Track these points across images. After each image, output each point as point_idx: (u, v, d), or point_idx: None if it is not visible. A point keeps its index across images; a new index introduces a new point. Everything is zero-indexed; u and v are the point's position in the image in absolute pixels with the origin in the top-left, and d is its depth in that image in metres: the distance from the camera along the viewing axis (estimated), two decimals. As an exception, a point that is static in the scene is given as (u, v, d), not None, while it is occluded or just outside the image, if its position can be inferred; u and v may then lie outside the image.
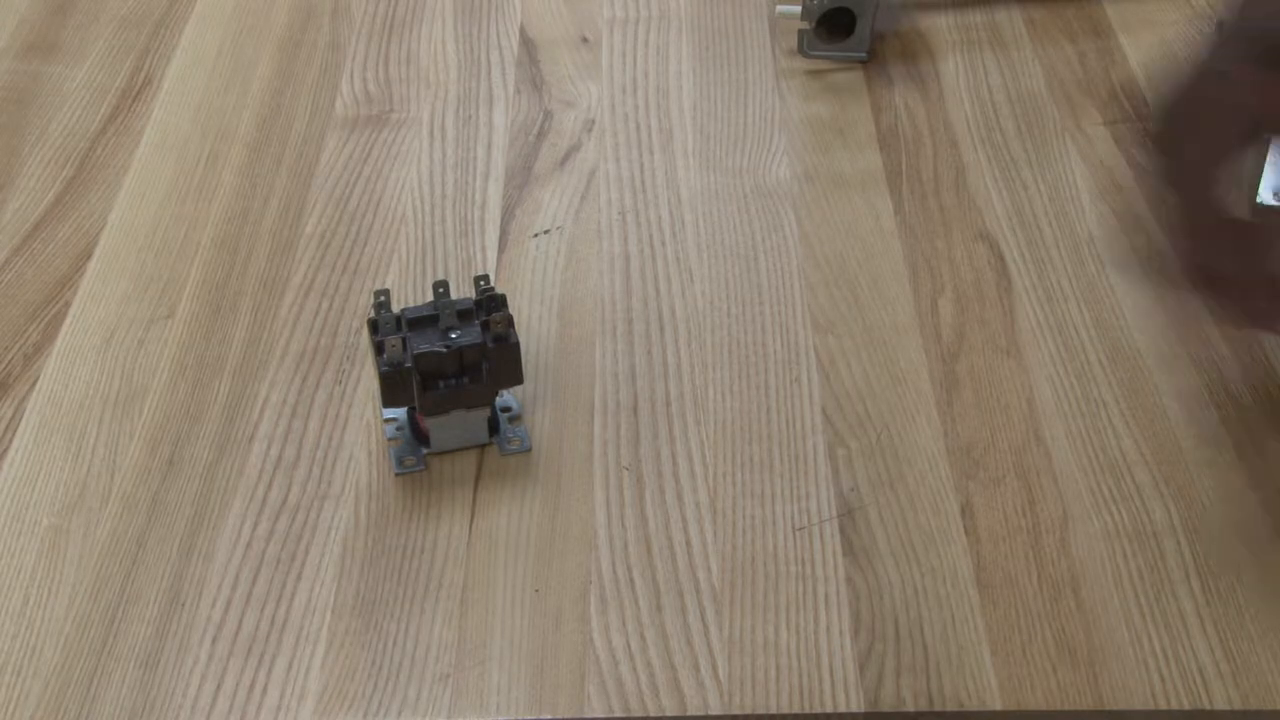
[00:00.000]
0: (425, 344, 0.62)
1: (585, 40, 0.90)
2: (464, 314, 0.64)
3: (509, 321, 0.63)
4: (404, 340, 0.62)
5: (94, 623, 0.59)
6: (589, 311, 0.72)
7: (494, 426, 0.65)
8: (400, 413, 0.66)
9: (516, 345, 0.63)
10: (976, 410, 0.67)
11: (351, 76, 0.87)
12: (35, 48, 0.90)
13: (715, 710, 0.56)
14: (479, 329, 0.63)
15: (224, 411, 0.67)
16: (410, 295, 0.73)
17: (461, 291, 0.72)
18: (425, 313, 0.64)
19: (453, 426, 0.64)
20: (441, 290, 0.65)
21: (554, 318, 0.71)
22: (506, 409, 0.66)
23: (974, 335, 0.70)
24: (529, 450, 0.65)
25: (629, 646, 0.58)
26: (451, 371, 0.63)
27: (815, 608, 0.59)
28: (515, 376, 0.64)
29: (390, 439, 0.65)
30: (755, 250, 0.75)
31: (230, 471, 0.65)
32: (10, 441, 0.66)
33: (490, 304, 0.64)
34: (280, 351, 0.70)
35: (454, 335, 0.63)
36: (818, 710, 0.56)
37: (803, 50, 0.87)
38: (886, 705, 0.56)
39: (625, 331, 0.71)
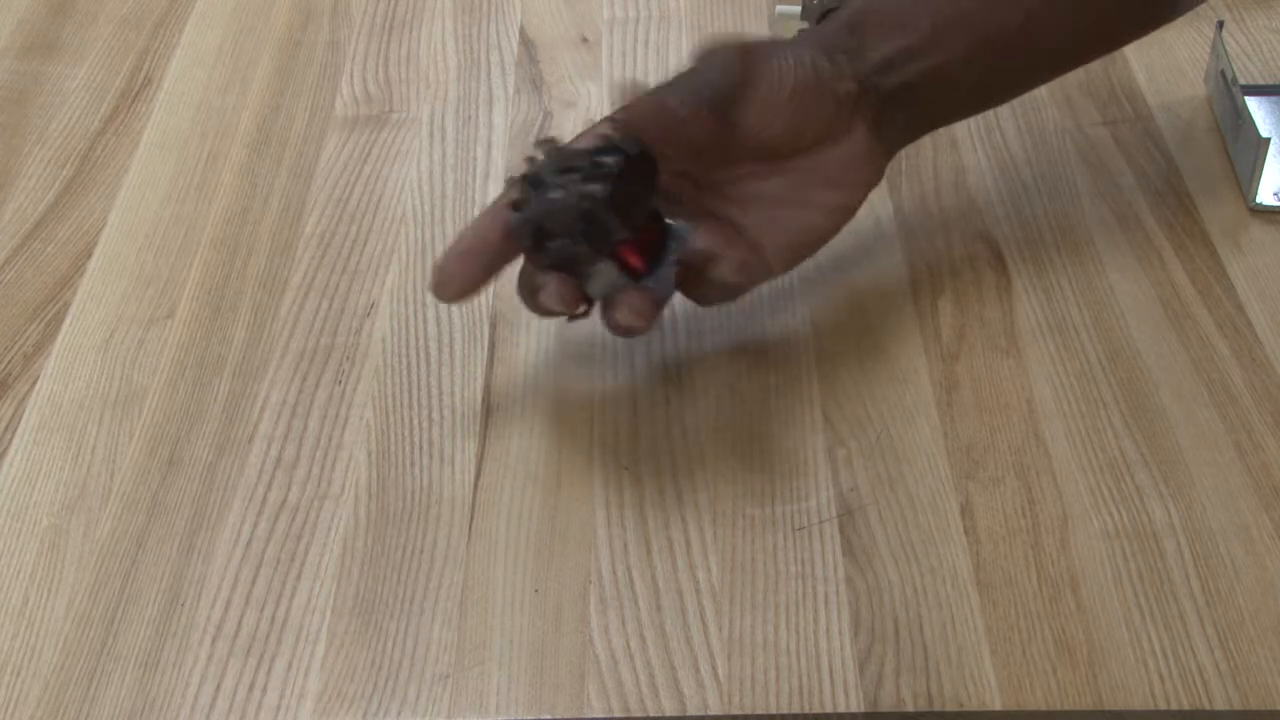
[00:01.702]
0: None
1: (585, 40, 0.90)
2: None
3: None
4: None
5: (94, 623, 0.59)
6: (589, 311, 0.72)
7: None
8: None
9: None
10: (976, 410, 0.67)
11: (351, 76, 0.87)
12: (35, 48, 0.90)
13: (715, 710, 0.56)
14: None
15: (224, 411, 0.67)
16: (411, 295, 0.73)
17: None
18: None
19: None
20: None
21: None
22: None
23: (974, 335, 0.70)
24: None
25: (629, 646, 0.58)
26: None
27: (815, 608, 0.59)
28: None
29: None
30: (755, 250, 0.75)
31: (230, 471, 0.65)
32: (10, 441, 0.66)
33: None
34: (280, 351, 0.70)
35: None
36: (817, 710, 0.56)
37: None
38: (886, 705, 0.56)
39: (625, 331, 0.71)
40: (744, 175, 0.67)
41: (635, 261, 0.63)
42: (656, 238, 0.65)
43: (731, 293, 0.68)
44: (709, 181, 0.67)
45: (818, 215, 0.69)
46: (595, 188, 0.60)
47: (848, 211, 0.70)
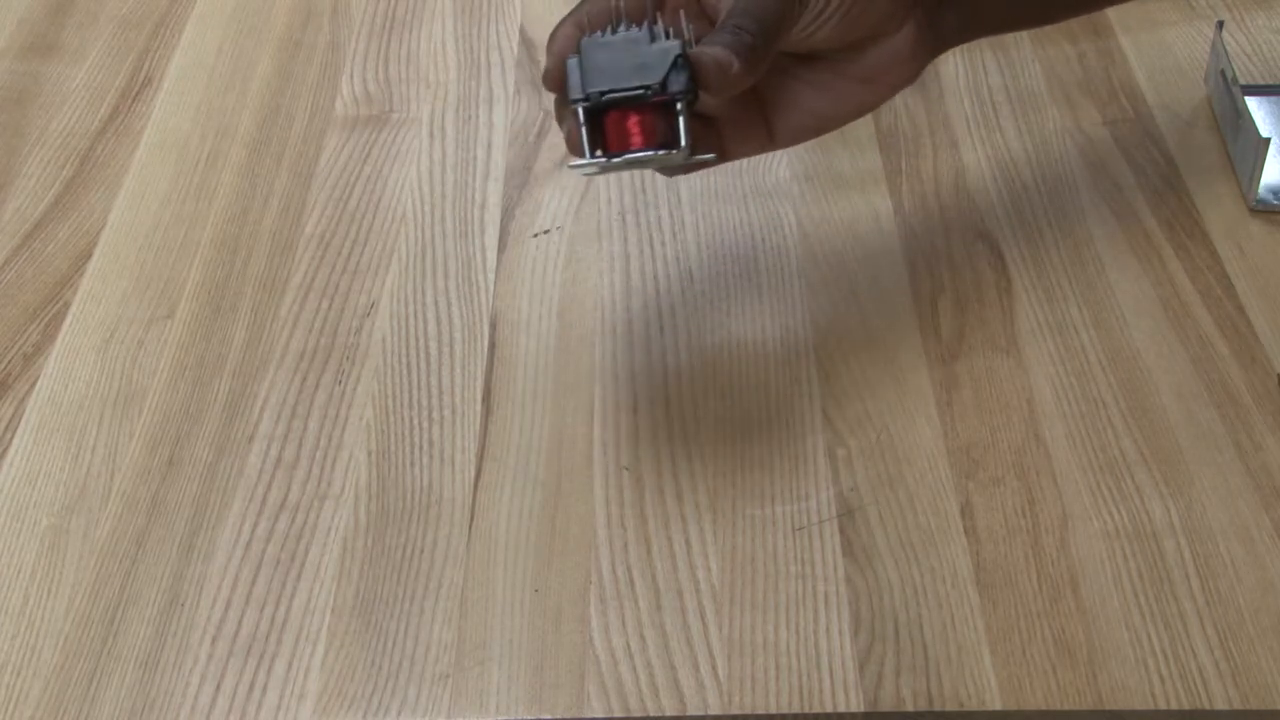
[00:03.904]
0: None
1: (585, 40, 0.90)
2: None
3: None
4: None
5: (94, 623, 0.59)
6: (589, 311, 0.72)
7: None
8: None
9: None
10: (976, 410, 0.67)
11: (351, 76, 0.88)
12: (35, 48, 0.90)
13: (715, 710, 0.56)
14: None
15: (224, 411, 0.67)
16: (411, 295, 0.73)
17: (463, 299, 0.72)
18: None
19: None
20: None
21: (554, 318, 0.71)
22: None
23: (973, 335, 0.70)
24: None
25: (629, 646, 0.58)
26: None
27: (815, 608, 0.59)
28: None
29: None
30: (755, 250, 0.75)
31: (230, 471, 0.65)
32: (10, 441, 0.66)
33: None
34: (280, 351, 0.70)
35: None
36: (817, 710, 0.56)
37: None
38: (886, 705, 0.56)
39: (625, 331, 0.71)
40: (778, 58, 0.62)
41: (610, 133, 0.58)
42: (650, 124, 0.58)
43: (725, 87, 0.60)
44: None
45: (841, 105, 0.65)
46: (590, 94, 0.57)
47: (872, 107, 0.66)
